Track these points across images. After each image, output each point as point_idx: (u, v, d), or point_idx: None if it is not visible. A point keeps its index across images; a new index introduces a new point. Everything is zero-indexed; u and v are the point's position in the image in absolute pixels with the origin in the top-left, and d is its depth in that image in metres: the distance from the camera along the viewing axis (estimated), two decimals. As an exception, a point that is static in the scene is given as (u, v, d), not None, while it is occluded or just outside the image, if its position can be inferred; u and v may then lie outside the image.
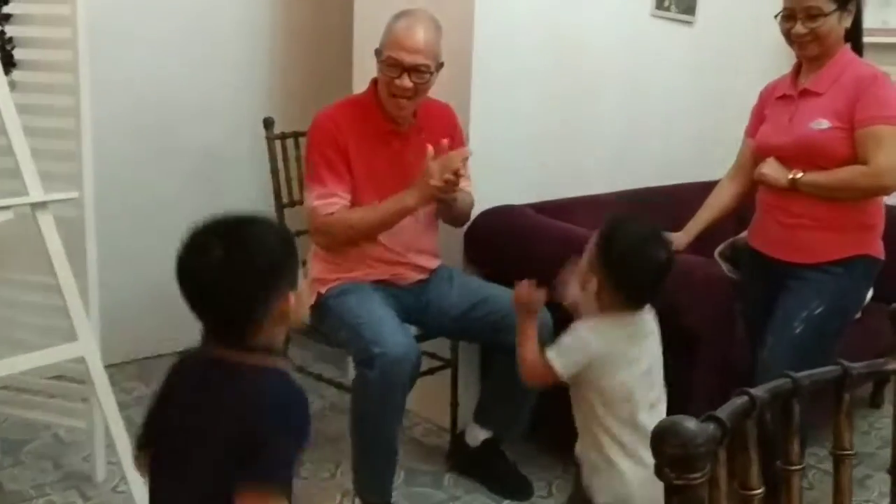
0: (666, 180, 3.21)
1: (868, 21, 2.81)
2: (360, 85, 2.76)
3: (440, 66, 2.25)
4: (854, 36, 2.18)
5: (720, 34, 3.37)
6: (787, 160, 2.13)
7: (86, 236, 2.27)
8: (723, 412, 0.78)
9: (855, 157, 2.06)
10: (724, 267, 2.78)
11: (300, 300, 1.34)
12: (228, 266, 1.24)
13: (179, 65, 3.20)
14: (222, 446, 1.23)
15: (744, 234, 2.90)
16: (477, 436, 2.48)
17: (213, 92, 3.31)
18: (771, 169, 2.15)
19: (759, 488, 0.84)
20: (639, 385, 1.66)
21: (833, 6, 2.06)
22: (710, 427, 0.72)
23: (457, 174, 2.12)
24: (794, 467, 0.91)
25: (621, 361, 1.65)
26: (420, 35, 2.17)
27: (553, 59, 2.80)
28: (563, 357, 1.67)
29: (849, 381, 0.95)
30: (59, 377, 2.43)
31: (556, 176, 2.89)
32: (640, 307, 1.70)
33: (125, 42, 3.01)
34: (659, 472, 0.69)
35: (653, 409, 1.69)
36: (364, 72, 2.63)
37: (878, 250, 2.17)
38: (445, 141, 2.18)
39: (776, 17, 2.19)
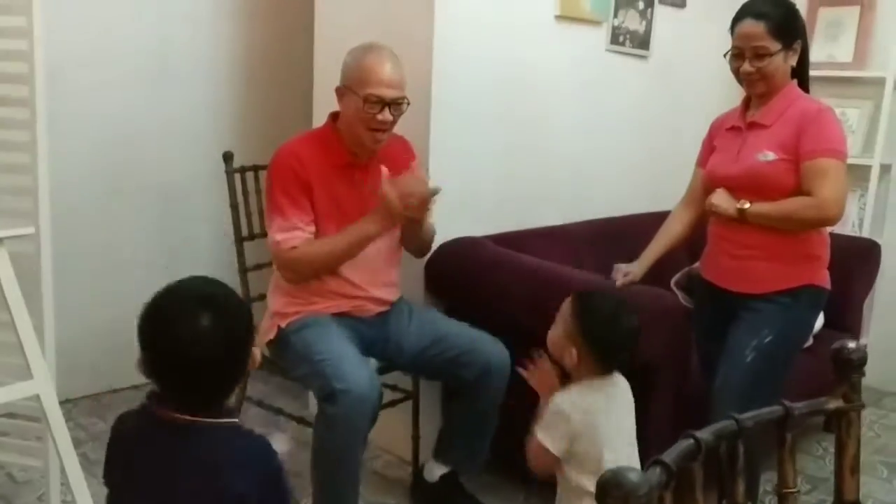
0: (620, 211, 3.28)
1: (815, 55, 2.91)
2: (319, 119, 2.79)
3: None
4: (800, 72, 2.25)
5: (673, 68, 3.46)
6: (735, 190, 2.19)
7: (41, 272, 2.24)
8: (668, 456, 0.81)
9: (798, 189, 2.12)
10: (680, 296, 2.84)
11: (255, 354, 1.36)
12: (218, 337, 1.25)
13: (137, 100, 3.21)
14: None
15: (698, 263, 2.98)
16: (435, 472, 2.48)
17: (172, 126, 3.31)
18: (720, 199, 2.20)
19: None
20: (620, 447, 1.73)
21: (779, 46, 2.13)
22: (656, 472, 0.75)
23: (423, 202, 2.17)
24: (739, 506, 0.94)
25: (602, 428, 1.72)
26: (394, 69, 2.22)
27: (510, 94, 2.85)
28: (550, 433, 1.73)
29: (791, 421, 0.98)
30: (10, 415, 2.39)
31: (514, 208, 2.93)
32: (612, 371, 1.81)
33: (83, 77, 3.01)
34: (603, 520, 0.72)
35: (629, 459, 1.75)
36: (324, 106, 2.65)
37: (824, 280, 2.23)
38: (414, 163, 2.23)
39: (725, 55, 2.26)
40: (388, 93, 2.19)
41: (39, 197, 2.20)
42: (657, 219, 3.39)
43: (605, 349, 1.76)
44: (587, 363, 1.75)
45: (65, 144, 2.70)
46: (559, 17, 2.93)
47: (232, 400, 1.36)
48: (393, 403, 2.55)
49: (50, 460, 2.32)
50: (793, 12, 2.20)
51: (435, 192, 2.21)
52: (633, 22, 3.21)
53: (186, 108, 3.33)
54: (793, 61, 2.19)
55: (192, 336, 1.26)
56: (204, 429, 1.29)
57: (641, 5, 3.22)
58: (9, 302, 2.05)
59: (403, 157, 2.41)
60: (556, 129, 3.06)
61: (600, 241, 3.02)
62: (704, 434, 0.87)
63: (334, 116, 2.37)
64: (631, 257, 2.56)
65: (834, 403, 1.05)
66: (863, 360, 1.07)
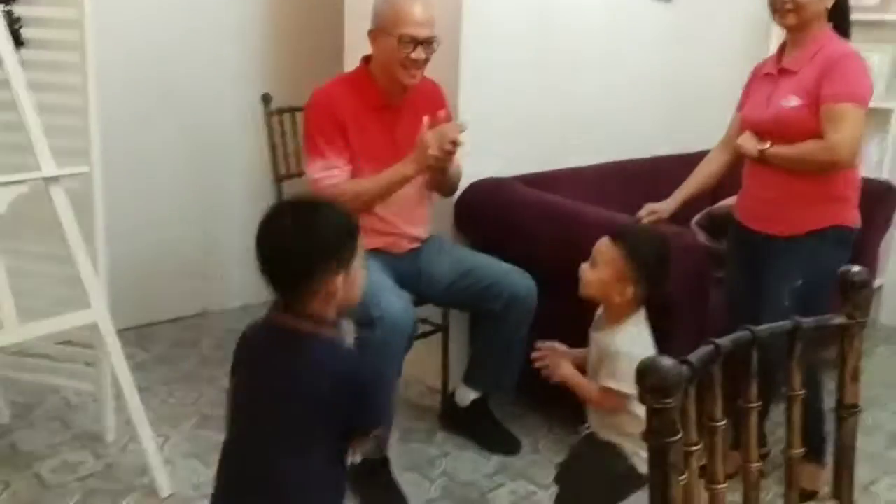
0: (643, 153, 3.35)
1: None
2: (350, 62, 2.87)
3: None
4: (839, 17, 2.26)
5: (696, 12, 3.50)
6: (763, 135, 2.25)
7: (94, 209, 2.37)
8: (693, 357, 0.93)
9: (821, 133, 2.17)
10: (701, 236, 2.93)
11: (350, 283, 1.47)
12: (292, 234, 1.43)
13: (181, 47, 3.30)
14: (296, 405, 1.43)
15: (720, 203, 3.05)
16: (466, 396, 2.63)
17: (212, 72, 3.42)
18: (745, 140, 2.28)
19: (722, 420, 0.99)
20: None
21: None
22: (683, 367, 0.87)
23: (455, 144, 2.24)
24: (751, 405, 1.07)
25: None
26: (426, 9, 2.31)
27: (537, 37, 2.91)
28: (625, 383, 1.74)
29: (799, 333, 1.10)
30: (66, 342, 2.55)
31: (542, 150, 3.02)
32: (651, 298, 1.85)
33: (127, 22, 3.10)
34: (642, 398, 0.84)
35: None
36: (354, 50, 2.73)
37: (851, 220, 2.28)
38: (442, 113, 2.30)
39: None
40: (421, 32, 2.29)
41: (91, 137, 2.32)
42: (679, 161, 3.47)
43: (659, 282, 1.81)
44: (637, 299, 1.80)
45: (110, 87, 2.80)
46: (586, -40, 2.98)
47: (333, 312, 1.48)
48: (424, 335, 2.68)
49: (104, 384, 2.49)
50: None
51: (463, 129, 2.29)
52: (659, -35, 3.24)
53: (220, 52, 3.43)
54: (828, 2, 2.21)
55: (271, 229, 1.45)
56: (298, 335, 1.45)
57: (668, -52, 3.25)
58: (68, 237, 2.17)
59: (434, 100, 2.50)
60: (583, 71, 3.12)
61: (624, 181, 3.11)
62: (723, 341, 0.99)
63: (367, 60, 2.45)
64: (652, 198, 2.64)
65: (839, 320, 1.16)
66: (865, 283, 1.18)
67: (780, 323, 1.10)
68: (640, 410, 1.77)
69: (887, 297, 3.59)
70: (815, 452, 2.33)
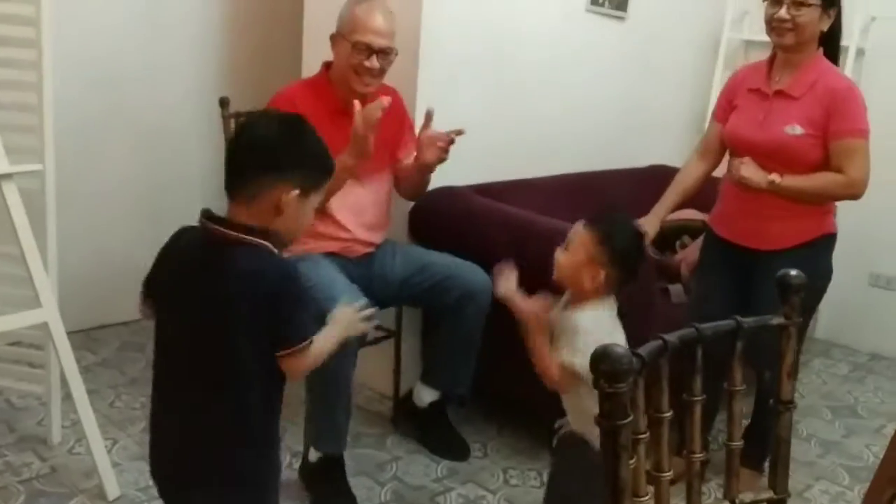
0: (594, 166, 3.44)
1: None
2: (307, 68, 2.91)
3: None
4: (831, 42, 2.34)
5: (649, 29, 3.61)
6: (759, 157, 2.28)
7: (46, 208, 2.35)
8: (643, 350, 0.98)
9: (822, 162, 2.25)
10: (649, 249, 3.02)
11: (298, 211, 1.48)
12: (275, 129, 1.50)
13: (137, 48, 3.30)
14: (229, 313, 1.43)
15: (668, 217, 3.15)
16: (424, 397, 2.65)
17: (169, 73, 3.41)
18: (750, 172, 2.26)
19: (668, 412, 1.05)
20: None
21: (818, 0, 2.21)
22: (633, 360, 0.92)
23: (449, 144, 2.34)
24: (695, 398, 1.13)
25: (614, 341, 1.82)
26: (384, 19, 2.36)
27: (494, 51, 2.98)
28: (579, 352, 1.74)
29: (741, 332, 1.17)
30: (14, 343, 2.51)
31: (496, 160, 3.08)
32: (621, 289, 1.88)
33: (82, 21, 3.08)
34: (596, 383, 0.89)
35: None
36: (313, 55, 2.77)
37: (833, 226, 2.39)
38: (385, 99, 2.28)
39: (764, 0, 2.31)
40: (376, 40, 2.33)
41: (45, 135, 2.31)
42: (628, 174, 3.59)
43: (631, 270, 1.82)
44: (609, 284, 1.80)
45: (64, 86, 2.78)
46: (543, -22, 3.06)
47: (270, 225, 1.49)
48: (376, 341, 2.71)
49: (52, 386, 2.46)
50: None
51: (459, 133, 2.37)
52: (612, -16, 3.35)
53: (177, 55, 3.42)
54: (825, 26, 2.26)
55: (248, 128, 1.55)
56: (237, 242, 1.45)
57: (620, -31, 3.36)
58: (19, 234, 2.15)
59: (393, 107, 2.54)
60: (537, 85, 3.20)
61: (574, 193, 3.19)
62: (670, 337, 1.05)
63: (328, 65, 2.49)
64: (600, 211, 2.70)
65: (777, 320, 1.23)
66: (801, 286, 1.26)
67: (723, 322, 1.16)
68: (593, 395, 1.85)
69: (823, 313, 3.73)
70: (756, 459, 2.42)
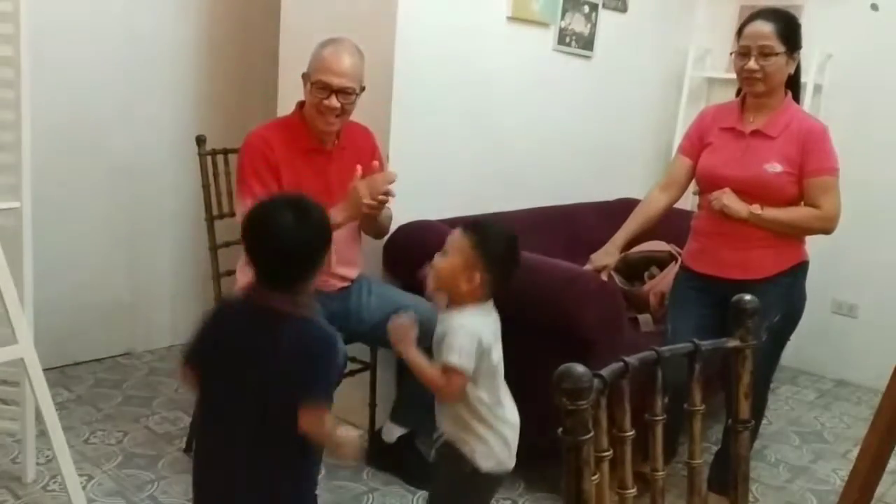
0: (562, 200, 3.53)
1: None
2: (284, 106, 2.97)
3: (363, 88, 2.47)
4: (794, 85, 2.47)
5: (614, 69, 3.73)
6: (737, 192, 2.38)
7: (23, 245, 2.37)
8: (604, 372, 1.04)
9: (797, 198, 2.38)
10: (617, 279, 3.10)
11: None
12: (297, 227, 1.60)
13: (113, 87, 3.35)
14: (279, 377, 1.60)
15: (635, 249, 3.23)
16: (392, 433, 2.69)
17: (146, 111, 3.46)
18: (732, 202, 2.37)
19: (630, 431, 1.10)
20: (500, 359, 1.97)
21: (783, 48, 2.33)
22: (595, 381, 0.97)
23: (387, 194, 2.35)
24: (657, 418, 1.18)
25: (493, 344, 1.93)
26: (346, 61, 2.40)
27: (465, 88, 3.07)
28: (465, 358, 1.85)
29: (699, 354, 1.23)
30: (-14, 381, 2.52)
31: (467, 195, 3.15)
32: (493, 295, 1.97)
33: (60, 60, 3.13)
34: (558, 400, 0.94)
35: (502, 376, 2.00)
36: (289, 95, 2.83)
37: (806, 255, 2.50)
38: (376, 163, 2.40)
39: (731, 54, 2.45)
40: (335, 81, 2.38)
41: (23, 173, 2.33)
42: (597, 208, 3.67)
43: (505, 274, 1.94)
44: (483, 289, 1.91)
45: (41, 125, 2.81)
46: (511, 19, 3.16)
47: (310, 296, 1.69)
48: (351, 374, 2.74)
49: (27, 423, 2.46)
50: (797, 24, 2.41)
51: (392, 179, 2.39)
52: (578, 24, 3.46)
53: (153, 93, 3.47)
54: (791, 69, 2.39)
55: (280, 229, 1.62)
56: (290, 317, 1.62)
57: (587, 9, 3.47)
58: (-4, 270, 2.17)
59: (366, 145, 2.60)
60: (507, 122, 3.28)
61: (544, 226, 3.26)
62: (632, 359, 1.11)
63: (301, 105, 2.55)
64: (570, 242, 2.77)
65: (733, 343, 1.30)
66: (755, 310, 1.32)
67: (682, 345, 1.22)
68: (480, 393, 1.91)
69: (789, 340, 3.82)
70: (725, 483, 2.46)
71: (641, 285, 3.27)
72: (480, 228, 1.97)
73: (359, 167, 2.34)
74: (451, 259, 1.94)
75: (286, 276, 1.64)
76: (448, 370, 1.85)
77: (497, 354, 1.94)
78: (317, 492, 2.36)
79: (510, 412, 1.98)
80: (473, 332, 1.87)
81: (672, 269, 3.10)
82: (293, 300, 1.63)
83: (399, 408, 2.71)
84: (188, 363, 1.72)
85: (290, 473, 1.68)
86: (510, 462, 1.97)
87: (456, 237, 1.96)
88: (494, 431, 1.92)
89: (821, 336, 3.83)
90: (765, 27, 2.34)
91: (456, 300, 1.94)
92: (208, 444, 1.74)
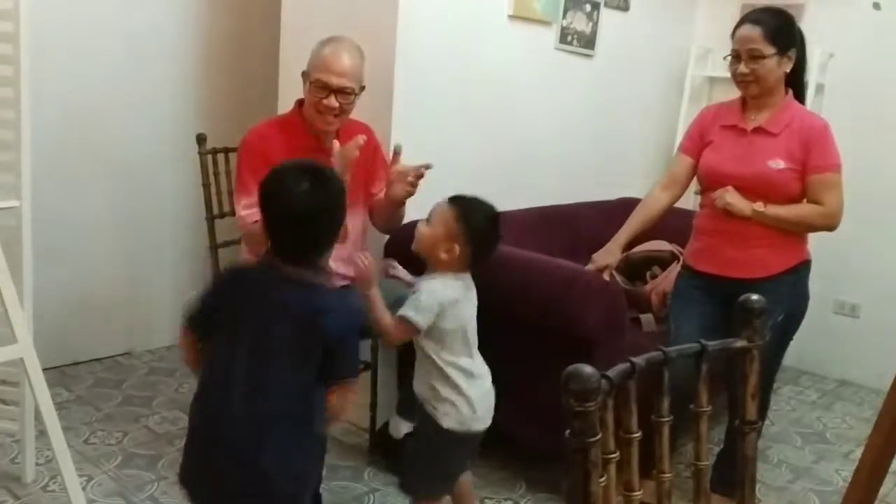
0: (563, 199, 3.52)
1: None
2: (284, 104, 2.96)
3: (363, 88, 2.46)
4: (795, 81, 2.45)
5: (616, 67, 3.71)
6: (741, 190, 2.37)
7: (23, 245, 2.36)
8: (611, 373, 1.03)
9: (799, 195, 2.37)
10: (619, 279, 3.09)
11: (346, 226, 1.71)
12: (317, 198, 1.61)
13: (114, 86, 3.33)
14: (304, 346, 1.59)
15: (636, 249, 3.23)
16: (400, 428, 2.66)
17: (146, 110, 3.44)
18: (735, 199, 2.36)
19: (636, 432, 1.09)
20: (469, 325, 2.06)
21: (773, 50, 2.32)
22: (602, 382, 0.96)
23: (417, 178, 2.39)
24: (663, 419, 1.17)
25: (459, 307, 2.02)
26: (345, 60, 2.39)
27: (467, 87, 3.06)
28: (421, 313, 1.97)
29: (706, 355, 1.22)
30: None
31: (469, 193, 3.12)
32: (472, 267, 2.09)
33: (60, 58, 3.11)
34: (565, 402, 0.93)
35: (475, 345, 2.10)
36: (289, 93, 2.82)
37: (809, 253, 2.50)
38: (361, 137, 2.34)
39: (725, 58, 2.45)
40: (333, 80, 2.37)
41: (23, 172, 2.32)
42: (599, 207, 3.66)
43: (483, 247, 2.04)
44: (461, 259, 2.01)
45: (41, 124, 2.80)
46: (512, 17, 3.15)
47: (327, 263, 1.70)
48: (353, 373, 2.73)
49: (26, 423, 2.45)
50: (789, 22, 2.40)
51: (427, 167, 2.42)
52: (580, 23, 3.45)
53: (154, 92, 3.46)
54: (787, 67, 2.38)
55: (297, 197, 1.61)
56: (308, 283, 1.63)
57: (588, 7, 3.46)
58: (-5, 269, 2.16)
59: (367, 144, 2.58)
60: (508, 120, 3.27)
61: (547, 225, 3.25)
62: (638, 360, 1.09)
63: (300, 103, 2.53)
64: (570, 243, 2.75)
65: (740, 343, 1.29)
66: (762, 310, 1.31)
67: (689, 345, 1.21)
68: (445, 355, 1.99)
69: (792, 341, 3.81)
70: (728, 484, 2.46)
71: (643, 285, 3.26)
72: (465, 202, 2.05)
73: (335, 142, 2.32)
74: (433, 228, 2.03)
75: (304, 244, 1.62)
76: (402, 320, 1.98)
77: (462, 319, 2.02)
78: (319, 491, 2.39)
79: (479, 375, 2.06)
80: (438, 294, 1.98)
81: (674, 269, 3.10)
82: (312, 270, 1.63)
83: (406, 401, 2.69)
84: (191, 327, 1.72)
85: (301, 435, 1.65)
86: (475, 424, 2.04)
87: (441, 208, 2.05)
88: (459, 392, 2.01)
89: (823, 336, 3.82)
90: (752, 31, 2.34)
91: (434, 267, 2.04)
92: (215, 408, 1.67)
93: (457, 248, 1.99)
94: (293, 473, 1.66)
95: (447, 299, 1.99)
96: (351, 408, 1.71)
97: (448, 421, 2.02)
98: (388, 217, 2.62)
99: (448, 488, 2.18)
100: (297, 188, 1.60)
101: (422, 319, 1.97)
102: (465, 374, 2.03)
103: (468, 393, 2.02)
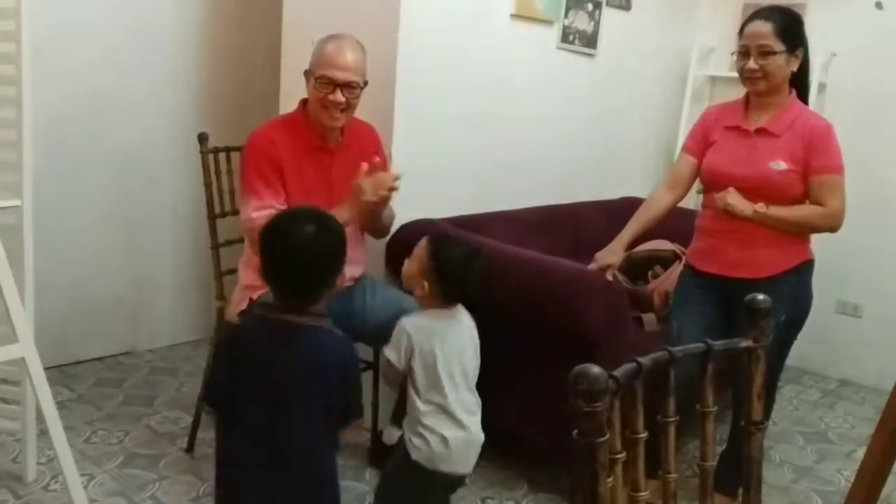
0: (565, 199, 3.51)
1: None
2: (286, 103, 2.95)
3: (366, 82, 2.46)
4: (799, 81, 2.44)
5: (618, 67, 3.71)
6: (742, 190, 2.36)
7: (24, 244, 2.35)
8: (618, 373, 1.02)
9: (801, 196, 2.36)
10: (621, 279, 3.08)
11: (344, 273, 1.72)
12: (318, 240, 1.60)
13: (115, 84, 3.32)
14: (313, 392, 1.61)
15: (638, 248, 3.22)
16: (393, 435, 2.66)
17: (147, 109, 3.43)
18: (736, 200, 2.35)
19: (643, 433, 1.09)
20: (456, 365, 2.07)
21: (783, 47, 2.31)
22: (609, 381, 0.96)
23: (391, 190, 2.33)
24: (669, 419, 1.17)
25: (440, 347, 2.04)
26: (349, 55, 2.39)
27: (469, 86, 3.05)
28: (394, 350, 2.06)
29: (711, 354, 1.21)
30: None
31: (471, 194, 3.14)
32: (455, 303, 2.12)
33: (61, 57, 3.10)
34: (573, 402, 0.92)
35: (471, 390, 2.11)
36: (290, 92, 2.82)
37: (812, 253, 2.48)
38: (377, 158, 2.37)
39: (732, 54, 2.45)
40: (338, 75, 2.36)
41: (24, 171, 2.32)
42: (599, 207, 3.65)
43: (452, 289, 2.08)
44: (434, 296, 2.07)
45: (42, 123, 2.80)
46: (514, 16, 3.15)
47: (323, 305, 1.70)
48: (354, 373, 2.73)
49: (27, 423, 2.44)
50: (798, 22, 2.39)
51: (398, 177, 2.37)
52: (582, 22, 3.44)
53: (155, 90, 3.45)
54: (794, 67, 2.37)
55: (301, 242, 1.62)
56: (308, 329, 1.64)
57: (590, 7, 3.46)
58: (-3, 269, 2.16)
59: (369, 143, 2.58)
60: (511, 119, 3.27)
61: (548, 225, 3.25)
62: (644, 360, 1.09)
63: (304, 102, 2.53)
64: (573, 243, 2.75)
65: (745, 343, 1.28)
66: (768, 310, 1.31)
67: (695, 345, 1.21)
68: (420, 394, 2.02)
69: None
70: (731, 484, 2.46)
71: (645, 284, 3.26)
72: (440, 241, 2.12)
73: (364, 164, 2.32)
74: (411, 264, 2.11)
75: (310, 289, 1.64)
76: (385, 360, 2.08)
77: (440, 360, 2.03)
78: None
79: (460, 417, 2.05)
80: (408, 331, 2.04)
81: (676, 269, 3.09)
82: (314, 312, 1.65)
83: (399, 410, 2.69)
84: (213, 406, 1.79)
85: (323, 477, 1.72)
86: (443, 464, 2.04)
87: (420, 245, 2.11)
88: (430, 430, 2.03)
89: (825, 336, 3.81)
90: (763, 27, 2.33)
91: (421, 305, 2.12)
92: (241, 471, 1.69)
93: (425, 285, 2.06)
94: None
95: (416, 334, 2.04)
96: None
97: (416, 454, 2.04)
98: (371, 227, 2.61)
99: None
100: (301, 232, 1.63)
101: (393, 356, 2.06)
102: (445, 416, 2.05)
103: (445, 434, 2.03)
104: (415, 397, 2.06)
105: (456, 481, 2.13)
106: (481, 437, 2.10)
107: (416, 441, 2.04)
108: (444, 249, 2.08)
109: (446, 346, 2.05)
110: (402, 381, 2.11)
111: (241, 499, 1.71)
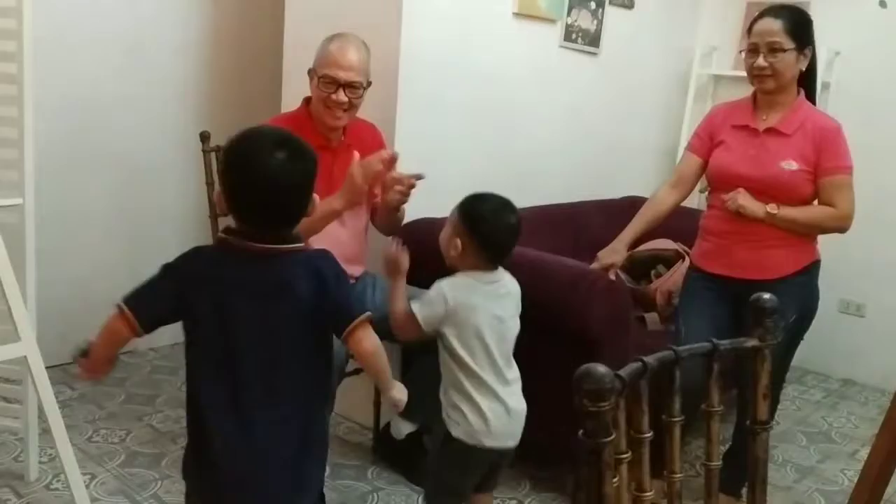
0: (567, 198, 3.50)
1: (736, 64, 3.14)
2: (288, 102, 2.95)
3: (370, 83, 2.45)
4: (806, 80, 2.43)
5: (621, 65, 3.70)
6: (752, 191, 2.35)
7: (26, 242, 2.35)
8: (623, 372, 1.01)
9: (811, 197, 2.35)
10: (624, 278, 3.07)
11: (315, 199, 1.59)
12: (297, 167, 1.50)
13: (117, 83, 3.32)
14: (303, 313, 1.52)
15: (641, 248, 3.21)
16: (401, 429, 2.65)
17: (149, 107, 3.43)
18: (747, 201, 2.34)
19: (648, 432, 1.08)
20: (493, 332, 1.96)
21: (792, 45, 2.30)
22: (615, 381, 0.95)
23: (410, 188, 2.34)
24: (675, 419, 1.16)
25: (478, 311, 1.94)
26: (352, 55, 2.39)
27: (472, 85, 3.05)
28: (425, 309, 1.95)
29: (717, 354, 1.20)
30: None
31: (472, 192, 3.11)
32: (496, 265, 2.02)
33: (64, 57, 3.11)
34: (578, 402, 0.92)
35: (508, 359, 2.02)
36: (292, 91, 2.81)
37: (819, 253, 2.48)
38: (386, 153, 2.34)
39: (741, 52, 2.44)
40: (342, 74, 2.37)
41: (25, 170, 2.31)
42: (602, 206, 3.64)
43: (485, 241, 1.97)
44: (470, 256, 1.97)
45: (44, 120, 2.80)
46: (517, 15, 3.14)
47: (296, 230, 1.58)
48: (356, 372, 2.71)
49: (29, 421, 2.44)
50: (808, 20, 2.38)
51: (419, 178, 2.38)
52: (585, 21, 3.44)
53: (157, 89, 3.45)
54: (803, 66, 2.36)
55: (272, 168, 1.47)
56: (278, 254, 1.53)
57: (593, 5, 3.45)
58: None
59: (372, 143, 2.58)
60: (513, 118, 3.26)
61: (551, 224, 3.24)
62: (650, 359, 1.08)
63: (308, 100, 2.52)
64: (576, 242, 2.74)
65: (751, 342, 1.27)
66: (774, 309, 1.30)
67: (701, 344, 1.20)
68: (447, 360, 1.96)
69: (796, 339, 3.80)
70: (735, 484, 2.45)
71: (648, 284, 3.25)
72: (471, 197, 2.04)
73: (356, 152, 2.30)
74: (445, 228, 2.04)
75: (275, 223, 1.52)
76: (411, 313, 1.97)
77: (481, 325, 1.94)
78: (322, 490, 2.38)
79: (499, 389, 1.97)
80: (445, 290, 1.94)
81: (679, 268, 3.09)
82: (284, 240, 1.54)
83: (407, 403, 2.68)
84: (135, 310, 1.66)
85: (312, 408, 1.63)
86: (486, 439, 1.95)
87: (453, 210, 2.05)
88: (470, 401, 1.95)
89: (828, 335, 3.79)
90: (773, 24, 2.32)
91: (452, 267, 2.02)
92: (215, 399, 1.56)
93: (459, 244, 1.96)
94: (320, 477, 1.71)
95: (454, 297, 1.93)
96: (380, 346, 1.66)
97: (457, 430, 1.96)
98: (388, 220, 2.61)
99: None
100: (273, 158, 1.47)
101: (424, 313, 1.94)
102: (478, 384, 1.95)
103: (481, 404, 1.94)
104: (452, 365, 1.97)
105: (502, 455, 2.03)
106: (523, 406, 2.01)
107: (454, 415, 1.97)
108: (474, 202, 2.02)
109: (483, 310, 1.95)
110: (412, 337, 2.04)
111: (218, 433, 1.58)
